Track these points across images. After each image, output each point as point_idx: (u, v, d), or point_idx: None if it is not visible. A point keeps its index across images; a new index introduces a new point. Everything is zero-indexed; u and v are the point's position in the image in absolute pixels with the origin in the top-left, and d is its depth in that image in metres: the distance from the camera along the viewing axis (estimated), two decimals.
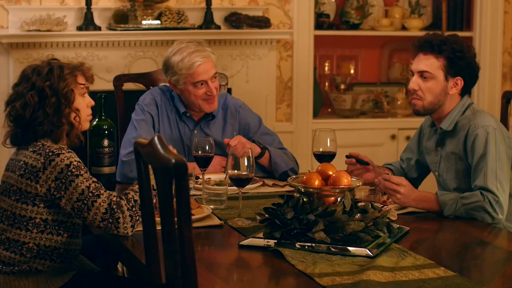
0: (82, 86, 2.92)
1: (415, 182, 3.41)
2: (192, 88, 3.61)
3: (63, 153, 2.76)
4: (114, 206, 2.72)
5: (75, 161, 2.76)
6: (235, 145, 3.41)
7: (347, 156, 3.47)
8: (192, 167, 3.28)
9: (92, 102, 2.98)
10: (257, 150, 3.58)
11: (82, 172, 2.75)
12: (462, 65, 3.26)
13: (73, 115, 2.88)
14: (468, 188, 3.19)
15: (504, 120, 3.88)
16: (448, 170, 3.32)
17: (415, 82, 3.30)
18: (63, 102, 2.85)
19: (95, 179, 2.78)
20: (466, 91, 3.32)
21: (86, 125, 2.97)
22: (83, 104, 2.93)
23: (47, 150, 2.77)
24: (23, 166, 2.78)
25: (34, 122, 2.82)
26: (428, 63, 3.27)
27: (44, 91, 2.83)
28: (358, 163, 3.43)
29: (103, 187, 2.78)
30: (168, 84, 3.72)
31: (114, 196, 2.77)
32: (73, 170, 2.74)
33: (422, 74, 3.28)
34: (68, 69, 2.89)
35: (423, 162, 3.53)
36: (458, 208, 3.07)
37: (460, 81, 3.27)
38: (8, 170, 2.87)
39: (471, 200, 3.07)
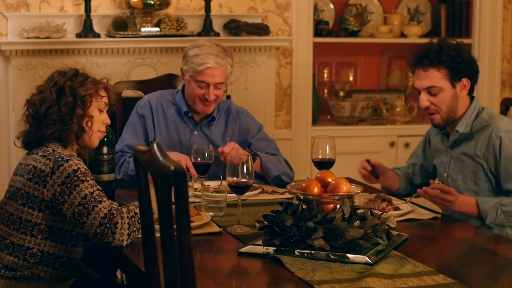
0: (101, 97, 2.95)
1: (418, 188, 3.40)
2: (194, 84, 3.70)
3: (72, 160, 2.78)
4: (114, 212, 2.72)
5: (83, 168, 2.78)
6: (229, 151, 3.44)
7: (367, 160, 3.47)
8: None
9: (108, 121, 3.01)
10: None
11: (88, 179, 2.77)
12: (464, 68, 3.26)
13: (85, 119, 2.91)
14: (478, 189, 3.23)
15: None
16: (458, 171, 3.32)
17: (424, 100, 3.28)
18: (79, 103, 2.89)
19: (100, 188, 2.79)
20: (472, 88, 3.32)
21: (96, 141, 2.99)
22: (99, 117, 2.96)
23: (57, 156, 2.78)
24: (31, 170, 2.80)
25: (47, 118, 2.86)
26: (431, 77, 3.25)
27: (63, 90, 2.89)
28: (371, 172, 3.43)
29: (106, 196, 2.79)
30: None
31: (116, 204, 2.77)
32: (80, 175, 2.75)
33: (429, 90, 3.26)
34: (92, 79, 2.96)
35: (426, 167, 3.54)
36: (499, 215, 3.09)
37: (467, 82, 3.28)
38: (17, 174, 2.88)
39: None
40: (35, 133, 2.89)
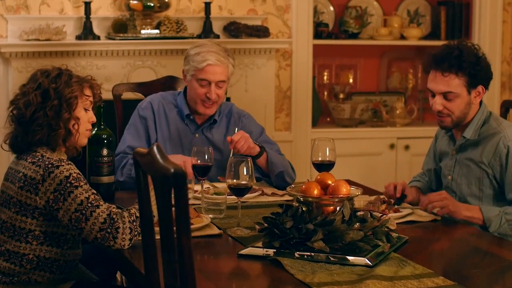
0: (86, 97, 2.92)
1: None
2: (195, 84, 3.69)
3: (63, 165, 2.75)
4: (115, 216, 2.70)
5: (75, 172, 2.75)
6: (239, 139, 3.44)
7: (403, 194, 3.36)
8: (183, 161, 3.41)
9: (94, 119, 2.98)
10: (257, 148, 3.60)
11: (82, 183, 2.74)
12: (482, 76, 3.24)
13: (72, 122, 2.88)
14: (482, 195, 3.23)
15: None
16: (463, 176, 3.31)
17: (439, 103, 3.25)
18: (64, 107, 2.85)
19: (94, 191, 2.76)
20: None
21: (83, 140, 2.95)
22: (85, 116, 2.93)
23: (47, 162, 2.75)
24: (22, 178, 2.77)
25: (34, 123, 2.82)
26: (449, 83, 3.22)
27: (48, 93, 2.84)
28: (395, 198, 3.33)
29: (102, 199, 2.78)
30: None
31: (114, 208, 2.75)
32: (72, 181, 2.72)
33: (445, 95, 3.24)
34: (77, 78, 2.91)
35: (440, 171, 3.52)
36: (502, 224, 3.08)
37: (482, 89, 3.26)
38: (8, 180, 2.86)
39: None
40: (23, 138, 2.85)
